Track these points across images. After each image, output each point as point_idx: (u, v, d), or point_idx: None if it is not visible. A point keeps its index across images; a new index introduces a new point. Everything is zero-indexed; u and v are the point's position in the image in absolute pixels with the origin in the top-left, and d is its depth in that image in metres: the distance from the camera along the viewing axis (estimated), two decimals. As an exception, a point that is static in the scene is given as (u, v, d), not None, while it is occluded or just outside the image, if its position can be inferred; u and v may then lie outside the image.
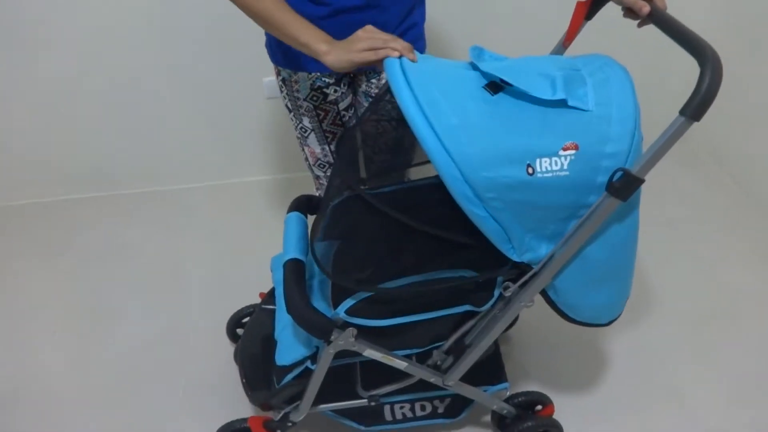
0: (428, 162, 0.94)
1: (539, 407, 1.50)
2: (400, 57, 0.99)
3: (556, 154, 0.94)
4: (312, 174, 1.51)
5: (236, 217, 2.33)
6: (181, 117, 2.29)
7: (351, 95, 1.41)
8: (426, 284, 1.07)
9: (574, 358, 1.72)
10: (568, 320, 1.16)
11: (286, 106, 1.40)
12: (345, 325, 1.09)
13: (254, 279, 1.82)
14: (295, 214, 1.30)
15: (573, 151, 0.94)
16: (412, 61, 1.00)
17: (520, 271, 1.05)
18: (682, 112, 0.87)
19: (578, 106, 0.95)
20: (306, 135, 1.42)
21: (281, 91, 1.38)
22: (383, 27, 1.19)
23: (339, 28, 1.16)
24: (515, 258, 1.01)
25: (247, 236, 2.22)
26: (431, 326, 1.14)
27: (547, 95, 0.95)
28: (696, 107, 0.85)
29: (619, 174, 0.93)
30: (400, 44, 0.99)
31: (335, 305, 1.18)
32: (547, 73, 1.01)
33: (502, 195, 0.93)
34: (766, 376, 1.65)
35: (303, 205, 1.34)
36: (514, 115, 0.94)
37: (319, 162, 1.46)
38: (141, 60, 2.12)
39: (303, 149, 1.45)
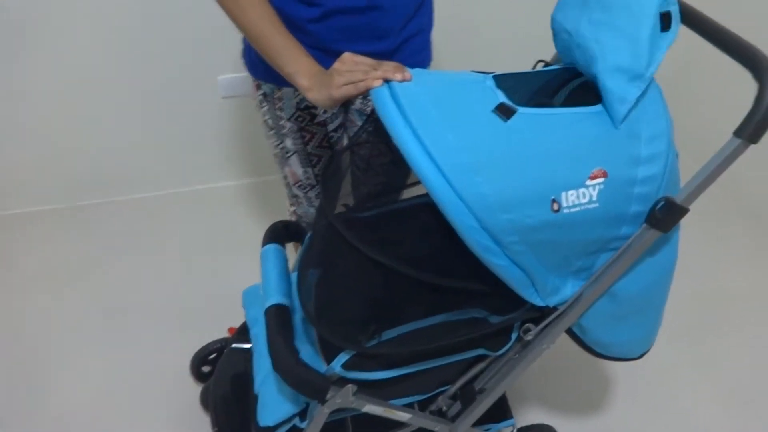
0: None
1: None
2: (388, 82, 0.83)
3: (583, 185, 0.80)
4: (289, 192, 1.33)
5: (198, 230, 2.09)
6: (131, 121, 2.06)
7: (342, 114, 1.24)
8: (432, 333, 0.93)
9: (575, 381, 1.59)
10: (597, 356, 1.04)
11: (266, 122, 1.22)
12: (342, 381, 0.95)
13: (221, 306, 1.60)
14: (272, 248, 1.13)
15: (602, 179, 0.80)
16: (404, 80, 0.83)
17: (541, 312, 0.92)
18: (737, 133, 0.74)
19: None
20: (287, 156, 1.24)
21: (260, 107, 1.20)
22: (385, 33, 1.04)
23: (332, 32, 1.01)
24: (539, 303, 0.87)
25: (211, 253, 1.99)
26: (439, 372, 1.01)
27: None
28: (755, 128, 0.72)
29: (661, 203, 0.80)
30: (382, 70, 0.83)
31: (326, 353, 1.04)
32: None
33: (525, 237, 0.79)
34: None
35: (279, 234, 1.18)
36: (531, 143, 0.79)
37: (300, 183, 1.29)
38: (86, 61, 1.89)
39: (282, 168, 1.27)
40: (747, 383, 1.59)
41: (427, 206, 1.21)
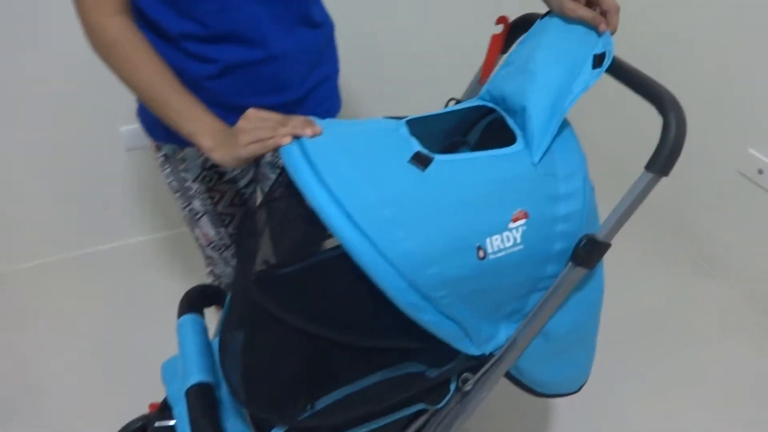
0: None
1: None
2: (298, 138, 0.78)
3: (507, 228, 0.78)
4: (203, 253, 1.25)
5: (111, 292, 1.93)
6: (30, 181, 1.90)
7: (253, 169, 1.18)
8: (369, 395, 0.88)
9: (518, 419, 1.57)
10: (538, 395, 1.02)
11: (170, 184, 1.13)
12: (277, 457, 0.87)
13: (140, 378, 1.43)
14: (188, 318, 1.05)
15: (524, 221, 0.79)
16: (314, 135, 0.79)
17: (478, 360, 0.89)
18: (648, 167, 0.75)
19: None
20: (197, 218, 1.16)
21: (162, 169, 1.11)
22: (288, 84, 0.98)
23: (232, 87, 0.95)
24: (475, 352, 0.84)
25: (126, 318, 1.83)
26: (378, 433, 0.96)
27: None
28: (664, 161, 0.73)
29: (584, 241, 0.79)
30: (291, 126, 0.78)
31: (258, 429, 0.96)
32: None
33: (454, 289, 0.76)
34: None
35: (196, 301, 1.09)
36: (450, 191, 0.77)
37: (214, 245, 1.21)
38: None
39: (193, 230, 1.19)
40: (682, 394, 1.62)
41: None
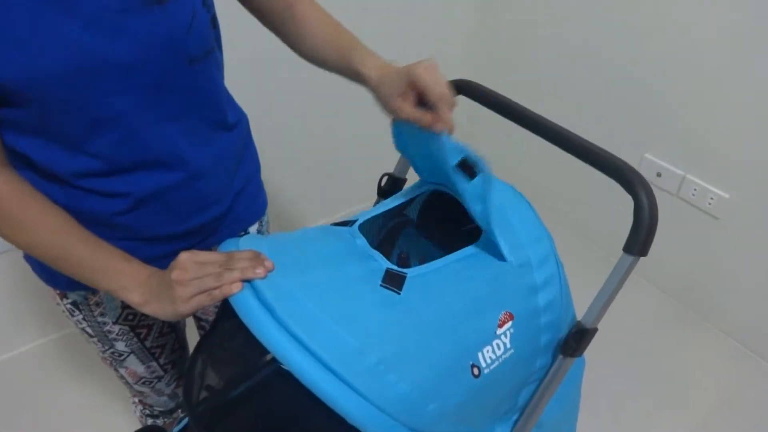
0: None
1: None
2: (248, 281, 0.67)
3: (495, 336, 0.72)
4: (130, 390, 1.07)
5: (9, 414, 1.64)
6: None
7: None
8: None
9: None
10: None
11: (83, 330, 0.94)
12: None
13: None
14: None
15: (510, 323, 0.74)
16: (265, 273, 0.67)
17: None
18: (627, 250, 0.72)
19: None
20: (122, 358, 0.99)
21: (71, 316, 0.92)
22: (213, 199, 0.84)
23: (148, 218, 0.79)
24: (476, 467, 0.78)
25: None
26: None
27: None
28: (642, 243, 0.71)
29: (573, 332, 0.76)
30: (239, 269, 0.66)
31: None
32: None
33: (454, 416, 0.69)
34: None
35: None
36: (432, 311, 0.69)
37: (144, 380, 1.03)
38: None
39: (116, 370, 1.01)
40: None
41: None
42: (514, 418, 0.83)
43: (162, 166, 0.76)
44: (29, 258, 0.86)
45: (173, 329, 1.03)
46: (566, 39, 1.94)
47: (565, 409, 0.90)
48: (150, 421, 1.19)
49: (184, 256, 0.68)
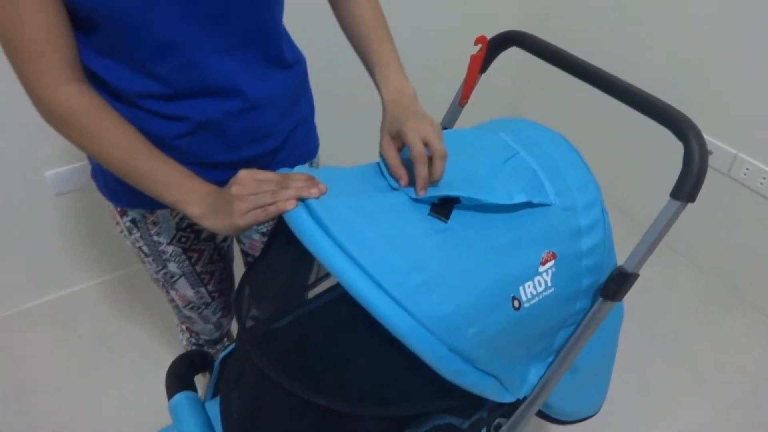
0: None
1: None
2: (303, 200, 0.70)
3: (537, 272, 0.74)
4: (179, 314, 1.13)
5: (66, 349, 1.74)
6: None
7: None
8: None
9: None
10: (562, 424, 1.00)
11: (139, 249, 1.00)
12: None
13: None
14: (182, 396, 0.94)
15: (552, 262, 0.76)
16: (319, 194, 0.71)
17: (510, 404, 0.85)
18: (674, 195, 0.72)
19: (542, 202, 0.77)
20: (174, 280, 1.05)
21: (129, 234, 0.98)
22: (266, 133, 0.89)
23: (206, 144, 0.84)
24: (511, 400, 0.80)
25: (88, 376, 1.66)
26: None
27: (506, 199, 0.75)
28: (691, 189, 0.71)
29: (614, 274, 0.77)
30: (294, 188, 0.70)
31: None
32: (490, 165, 0.80)
33: (492, 344, 0.71)
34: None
35: (186, 373, 0.98)
36: (477, 241, 0.72)
37: (192, 305, 1.10)
38: None
39: (167, 292, 1.08)
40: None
41: (343, 300, 1.09)
42: (550, 360, 0.85)
43: (220, 95, 0.81)
44: (96, 176, 0.93)
45: (222, 258, 1.08)
46: (622, 5, 1.90)
47: (600, 357, 0.91)
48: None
49: (244, 173, 0.72)
